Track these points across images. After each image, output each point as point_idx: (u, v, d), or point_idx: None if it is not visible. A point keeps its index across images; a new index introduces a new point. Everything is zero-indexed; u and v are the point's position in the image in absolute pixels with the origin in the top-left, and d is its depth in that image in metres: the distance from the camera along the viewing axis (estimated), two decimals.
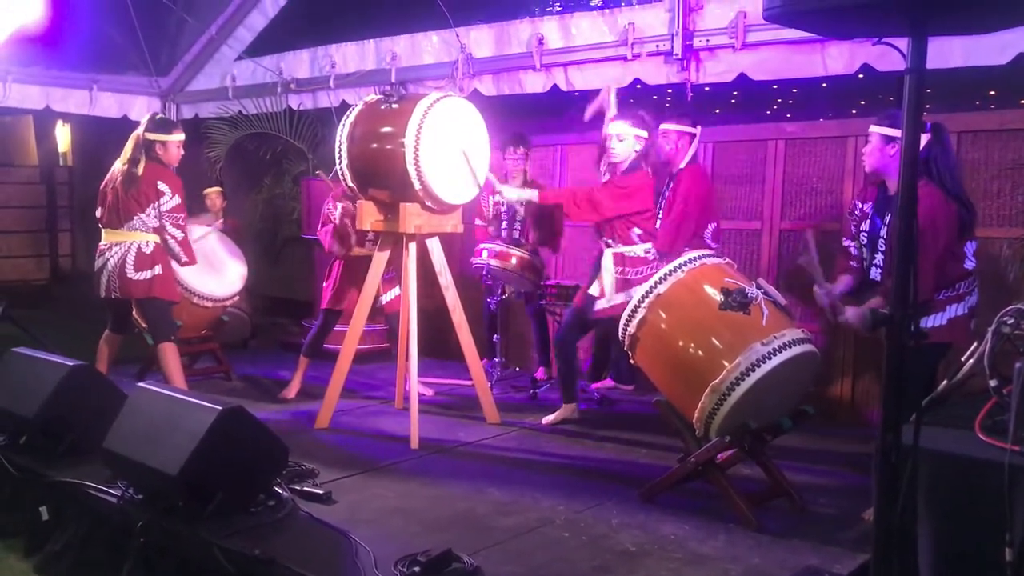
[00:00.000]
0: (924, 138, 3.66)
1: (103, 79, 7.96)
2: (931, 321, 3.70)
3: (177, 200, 5.16)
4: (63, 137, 12.86)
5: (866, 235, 3.99)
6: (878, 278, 3.92)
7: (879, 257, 3.91)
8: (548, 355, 6.33)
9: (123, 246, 5.10)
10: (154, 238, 5.14)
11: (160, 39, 8.00)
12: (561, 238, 6.13)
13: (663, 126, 5.33)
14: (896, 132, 3.70)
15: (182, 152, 5.29)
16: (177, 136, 5.24)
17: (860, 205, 4.06)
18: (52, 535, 3.86)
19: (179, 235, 5.20)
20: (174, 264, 5.31)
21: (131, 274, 5.07)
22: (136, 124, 5.31)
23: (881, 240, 3.90)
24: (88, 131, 11.79)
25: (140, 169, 5.08)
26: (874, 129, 3.88)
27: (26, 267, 12.20)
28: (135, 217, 5.09)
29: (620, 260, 5.00)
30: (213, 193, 7.71)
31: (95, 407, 4.16)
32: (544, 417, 5.26)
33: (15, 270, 11.79)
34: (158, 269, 5.13)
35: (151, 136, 5.14)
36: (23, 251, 12.26)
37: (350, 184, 5.00)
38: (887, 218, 3.86)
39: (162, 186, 5.10)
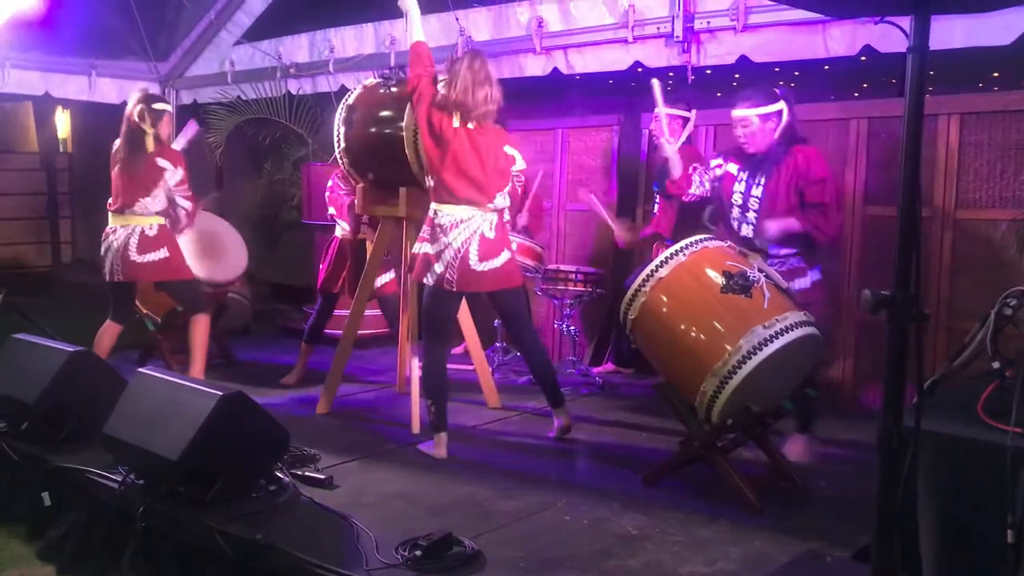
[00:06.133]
0: (781, 107, 4.09)
1: (102, 65, 7.94)
2: (797, 284, 4.01)
3: (181, 172, 5.13)
4: (63, 123, 12.82)
5: (740, 196, 4.20)
6: (751, 235, 4.15)
7: (752, 215, 4.14)
8: None
9: (127, 230, 5.08)
10: (158, 220, 5.11)
11: (158, 24, 7.98)
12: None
13: (656, 110, 5.34)
14: (771, 108, 4.09)
15: (173, 125, 5.28)
16: (165, 106, 5.24)
17: (723, 165, 4.33)
18: (54, 520, 3.86)
19: (188, 205, 5.21)
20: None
21: (135, 257, 5.05)
22: None
23: (753, 199, 4.15)
24: (88, 117, 11.76)
25: (149, 143, 5.08)
26: (752, 112, 4.11)
27: (27, 254, 12.17)
28: (138, 202, 5.07)
29: None
30: None
31: (96, 393, 4.15)
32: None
33: (16, 257, 11.77)
34: (164, 252, 5.11)
35: (162, 107, 5.13)
36: (24, 238, 12.22)
37: (348, 168, 4.98)
38: (758, 179, 4.14)
39: (162, 162, 5.07)
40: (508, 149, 4.42)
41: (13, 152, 12.49)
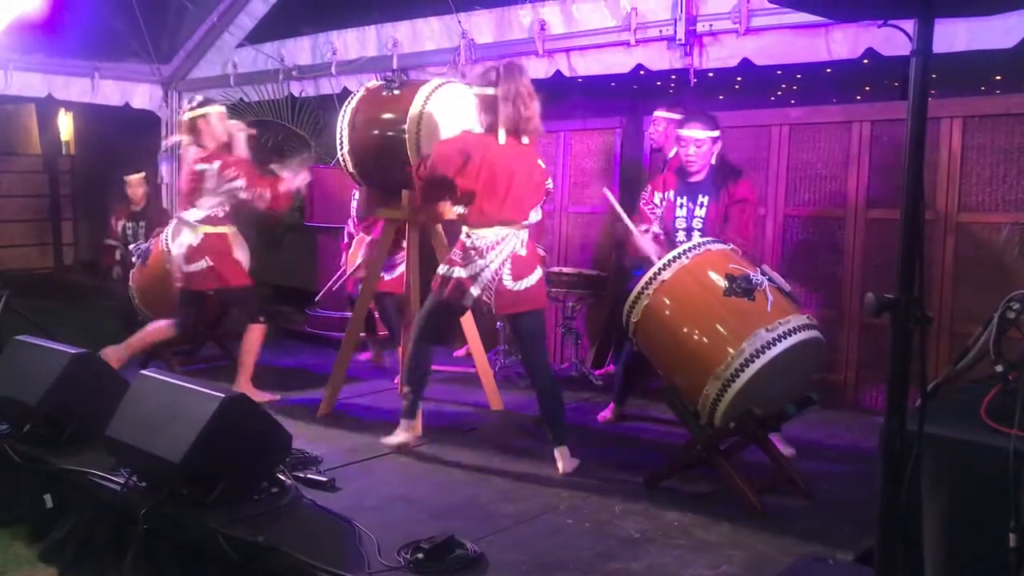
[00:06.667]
0: (718, 133, 4.33)
1: (105, 67, 7.95)
2: None
3: (218, 163, 4.98)
4: (66, 125, 12.85)
5: (684, 220, 4.39)
6: None
7: (697, 235, 4.27)
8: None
9: (185, 238, 5.10)
10: (205, 228, 5.08)
11: (161, 26, 8.00)
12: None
13: (655, 113, 5.37)
14: (717, 132, 4.34)
15: (228, 121, 5.17)
16: (215, 108, 5.16)
17: (662, 195, 4.46)
18: (56, 522, 3.87)
19: (242, 184, 5.00)
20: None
21: (183, 266, 5.09)
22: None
23: (697, 219, 4.38)
24: (91, 119, 11.78)
25: (188, 153, 5.08)
26: (706, 134, 4.28)
27: (29, 256, 12.21)
28: (184, 213, 5.10)
29: None
30: (134, 180, 6.97)
31: (98, 395, 4.16)
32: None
33: (19, 259, 11.80)
34: (206, 262, 5.08)
35: (191, 115, 5.09)
36: (26, 240, 12.27)
37: (351, 170, 4.99)
38: (700, 200, 4.38)
39: (199, 166, 4.99)
40: (541, 163, 4.36)
41: (16, 154, 12.52)
